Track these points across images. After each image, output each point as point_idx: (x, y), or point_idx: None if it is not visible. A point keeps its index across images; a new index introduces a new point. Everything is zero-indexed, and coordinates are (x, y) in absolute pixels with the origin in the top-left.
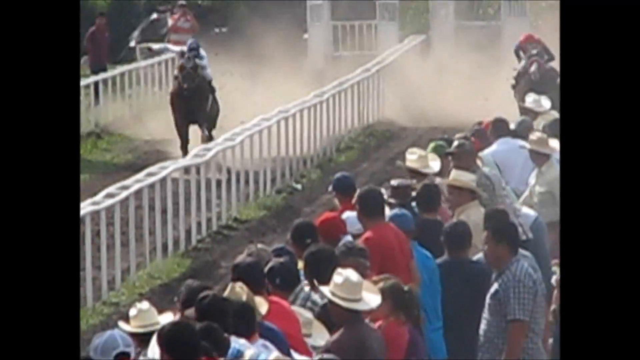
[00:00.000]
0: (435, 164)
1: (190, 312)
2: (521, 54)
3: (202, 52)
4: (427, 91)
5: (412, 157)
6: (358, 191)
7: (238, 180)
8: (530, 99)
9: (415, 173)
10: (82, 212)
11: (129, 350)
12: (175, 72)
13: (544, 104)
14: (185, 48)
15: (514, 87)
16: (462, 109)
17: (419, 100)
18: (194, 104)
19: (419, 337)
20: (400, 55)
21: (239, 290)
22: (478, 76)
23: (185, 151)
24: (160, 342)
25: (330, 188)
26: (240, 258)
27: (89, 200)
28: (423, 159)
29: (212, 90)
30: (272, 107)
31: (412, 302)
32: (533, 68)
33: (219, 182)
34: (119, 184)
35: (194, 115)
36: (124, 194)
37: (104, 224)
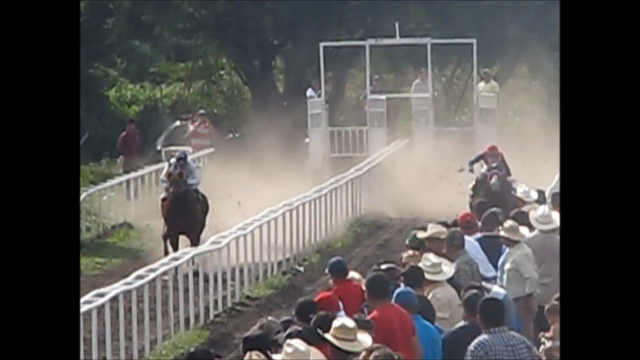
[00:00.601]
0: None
1: None
2: (482, 163)
3: (191, 163)
4: (410, 187)
5: (433, 229)
6: (368, 277)
7: (249, 264)
8: (521, 189)
9: (436, 239)
10: (116, 291)
11: None
12: (164, 179)
13: (532, 195)
14: (174, 159)
15: (472, 197)
16: (440, 202)
17: (404, 194)
18: (182, 207)
19: None
20: (388, 156)
21: (256, 358)
22: (454, 174)
23: (175, 248)
24: None
25: (326, 270)
26: (250, 332)
27: (122, 281)
28: (440, 229)
29: (200, 197)
30: (278, 201)
31: None
32: (493, 180)
33: (232, 265)
34: (147, 267)
35: (183, 219)
36: (152, 275)
37: (135, 301)
